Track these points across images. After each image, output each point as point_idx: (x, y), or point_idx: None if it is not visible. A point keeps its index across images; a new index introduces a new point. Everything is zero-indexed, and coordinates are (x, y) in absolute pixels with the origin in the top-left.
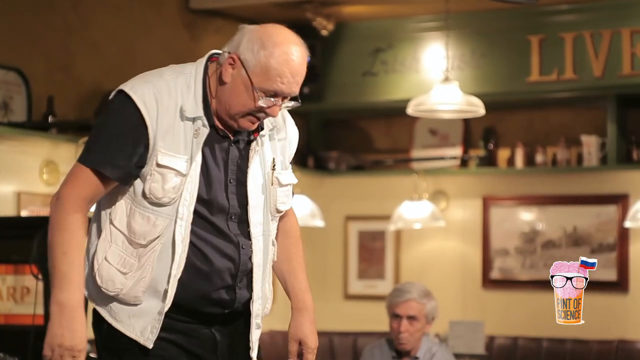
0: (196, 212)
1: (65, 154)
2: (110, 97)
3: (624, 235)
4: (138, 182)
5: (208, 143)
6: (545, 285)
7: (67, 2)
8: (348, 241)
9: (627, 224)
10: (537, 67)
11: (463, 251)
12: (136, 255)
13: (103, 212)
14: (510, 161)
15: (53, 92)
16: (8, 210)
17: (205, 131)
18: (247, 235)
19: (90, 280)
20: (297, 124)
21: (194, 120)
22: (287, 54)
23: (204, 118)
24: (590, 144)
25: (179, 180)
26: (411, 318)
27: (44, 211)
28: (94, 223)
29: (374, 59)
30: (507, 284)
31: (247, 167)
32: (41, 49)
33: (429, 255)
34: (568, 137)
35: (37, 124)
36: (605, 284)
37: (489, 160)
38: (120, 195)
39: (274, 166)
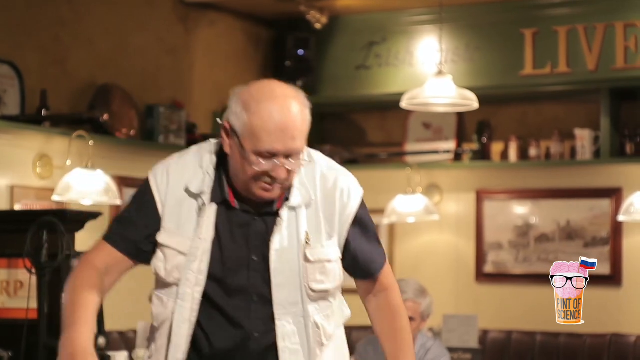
0: (207, 294)
1: (59, 147)
2: None
3: (617, 229)
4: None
5: (224, 219)
6: (539, 279)
7: None
8: None
9: (621, 217)
10: (530, 60)
11: (457, 245)
12: (153, 340)
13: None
14: (504, 155)
15: (46, 86)
16: (1, 204)
17: (209, 207)
18: (273, 318)
19: None
20: None
21: (197, 197)
22: (270, 111)
23: (207, 194)
24: (583, 137)
25: (181, 260)
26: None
27: (37, 205)
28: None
29: (368, 52)
30: (501, 277)
31: (269, 241)
32: (35, 42)
33: (422, 249)
34: (562, 130)
35: (30, 118)
36: (598, 277)
37: (483, 154)
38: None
39: (307, 240)
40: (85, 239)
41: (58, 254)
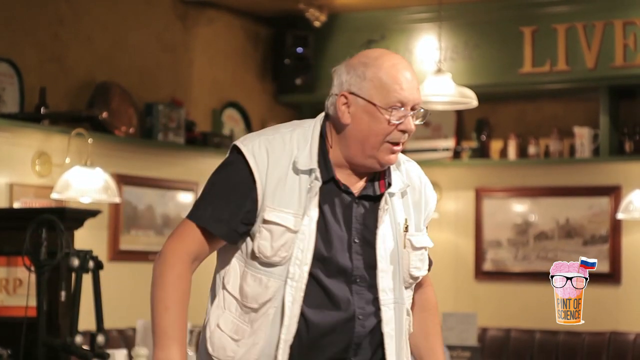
0: (311, 274)
1: (58, 145)
2: (229, 150)
3: (616, 226)
4: (249, 242)
5: (327, 198)
6: (537, 276)
7: None
8: None
9: (620, 215)
10: (529, 58)
11: (456, 243)
12: (248, 321)
13: (217, 276)
14: (503, 153)
15: (45, 84)
16: (0, 202)
17: (317, 184)
18: (374, 302)
19: (203, 348)
20: (289, 116)
21: (308, 173)
22: (392, 62)
23: (317, 170)
24: (582, 135)
25: (290, 237)
26: None
27: (36, 203)
28: (210, 290)
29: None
30: (500, 275)
31: (375, 226)
32: (33, 40)
33: None
34: (560, 128)
35: (29, 116)
36: (597, 275)
37: (482, 152)
38: (233, 258)
39: (406, 227)
40: (84, 236)
41: (57, 252)
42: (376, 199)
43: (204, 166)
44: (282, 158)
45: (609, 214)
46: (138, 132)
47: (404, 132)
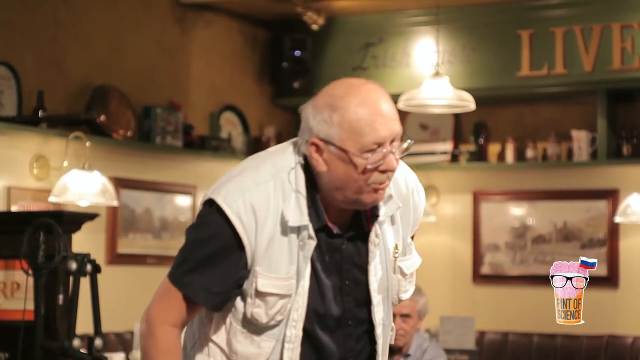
0: (304, 329)
1: (56, 148)
2: (203, 201)
3: (614, 230)
4: (239, 299)
5: (316, 249)
6: (535, 280)
7: None
8: None
9: (617, 219)
10: (527, 61)
11: (453, 246)
12: None
13: (200, 322)
14: (501, 156)
15: (43, 87)
16: None
17: (312, 244)
18: (366, 335)
19: None
20: (287, 119)
21: (298, 230)
22: (360, 99)
23: (310, 227)
24: (580, 138)
25: (285, 302)
26: (405, 316)
27: (34, 206)
28: (186, 332)
29: (365, 53)
30: (498, 279)
31: (366, 262)
32: (31, 43)
33: (419, 250)
34: (558, 132)
35: (27, 119)
36: (595, 279)
37: (480, 155)
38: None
39: (396, 253)
40: (82, 240)
41: (55, 255)
42: (366, 234)
43: (202, 169)
44: (269, 216)
45: (607, 218)
46: (136, 135)
47: (384, 172)
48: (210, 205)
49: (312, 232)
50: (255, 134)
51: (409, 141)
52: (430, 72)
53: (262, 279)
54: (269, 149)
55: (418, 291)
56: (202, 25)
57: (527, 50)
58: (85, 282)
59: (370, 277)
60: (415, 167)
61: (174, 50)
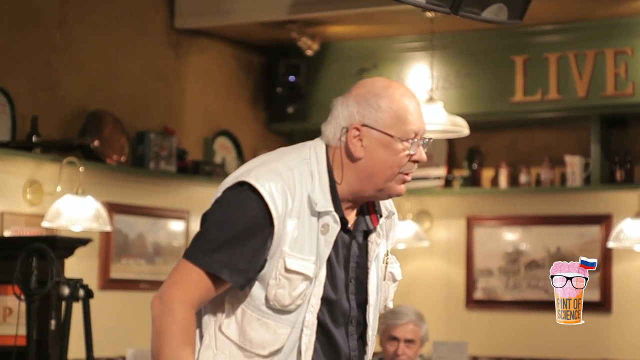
0: (317, 319)
1: (49, 173)
2: (229, 185)
3: (607, 255)
4: (255, 286)
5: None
6: (528, 305)
7: (52, 21)
8: None
9: (611, 244)
10: (521, 87)
11: (447, 271)
12: None
13: (207, 317)
14: (494, 181)
15: (37, 112)
16: None
17: (336, 228)
18: (362, 338)
19: None
20: (280, 144)
21: (320, 215)
22: (401, 91)
23: (334, 213)
24: (574, 164)
25: (306, 285)
26: (409, 341)
27: (27, 231)
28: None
29: (358, 78)
30: (491, 304)
31: (366, 261)
32: (25, 68)
33: (413, 275)
34: (552, 157)
35: (21, 144)
36: (588, 304)
37: (473, 181)
38: (228, 298)
39: (387, 259)
40: (74, 265)
41: (47, 281)
42: (367, 233)
43: (196, 194)
44: (297, 199)
45: (600, 243)
46: (130, 161)
47: (415, 162)
48: (241, 185)
49: (337, 218)
50: (249, 159)
51: (430, 138)
52: (424, 97)
53: (290, 259)
54: (282, 148)
55: (422, 317)
56: (197, 50)
57: (521, 76)
58: (77, 307)
59: (370, 277)
60: (408, 193)
61: (168, 76)
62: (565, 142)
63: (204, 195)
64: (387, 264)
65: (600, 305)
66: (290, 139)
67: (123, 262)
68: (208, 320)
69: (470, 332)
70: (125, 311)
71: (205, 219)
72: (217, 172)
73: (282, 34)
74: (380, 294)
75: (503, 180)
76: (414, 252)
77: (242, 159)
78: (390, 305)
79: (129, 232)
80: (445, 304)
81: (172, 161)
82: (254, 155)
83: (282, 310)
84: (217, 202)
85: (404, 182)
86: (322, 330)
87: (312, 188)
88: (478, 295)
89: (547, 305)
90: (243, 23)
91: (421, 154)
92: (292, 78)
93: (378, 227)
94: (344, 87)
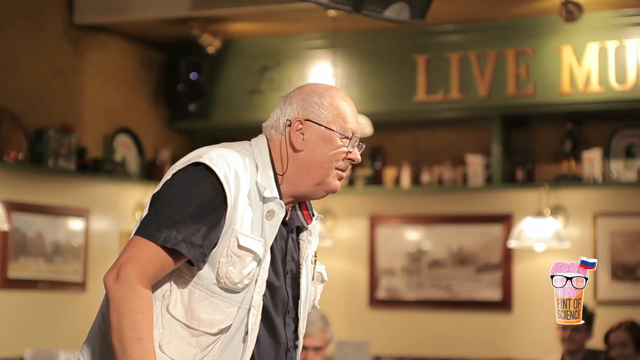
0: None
1: None
2: (181, 167)
3: (508, 254)
4: (205, 265)
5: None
6: (431, 304)
7: None
8: None
9: (511, 243)
10: (423, 86)
11: (350, 270)
12: (197, 345)
13: (153, 296)
14: (397, 180)
15: None
16: None
17: (281, 214)
18: (295, 332)
19: None
20: (182, 142)
21: (265, 201)
22: (341, 94)
23: (279, 200)
24: (475, 163)
25: (255, 265)
26: (317, 349)
27: None
28: None
29: (261, 76)
30: (394, 303)
31: (299, 258)
32: None
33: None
34: (454, 156)
35: None
36: (489, 303)
37: (376, 180)
38: (173, 279)
39: (315, 260)
40: None
41: None
42: (300, 231)
43: (96, 193)
44: (246, 183)
45: (501, 242)
46: (28, 158)
47: (351, 160)
48: (196, 166)
49: (282, 203)
50: (150, 157)
51: (362, 145)
52: None
53: (242, 237)
54: (224, 143)
55: (327, 322)
56: (97, 47)
57: (423, 75)
58: None
59: (302, 273)
60: None
61: (67, 72)
62: (467, 142)
63: (104, 194)
64: (315, 264)
65: (502, 304)
66: (192, 136)
67: (21, 262)
68: (154, 300)
69: (373, 332)
70: (24, 311)
71: (157, 197)
72: (118, 170)
73: (184, 30)
74: (309, 292)
75: (405, 180)
76: (317, 251)
77: (143, 157)
78: (317, 305)
79: (27, 230)
80: (348, 303)
81: (72, 159)
82: (155, 153)
83: (230, 290)
84: (169, 183)
85: (340, 178)
86: (265, 315)
87: (258, 176)
88: (381, 294)
89: (450, 305)
90: (144, 19)
91: (356, 154)
92: (193, 75)
93: (310, 226)
94: (246, 85)
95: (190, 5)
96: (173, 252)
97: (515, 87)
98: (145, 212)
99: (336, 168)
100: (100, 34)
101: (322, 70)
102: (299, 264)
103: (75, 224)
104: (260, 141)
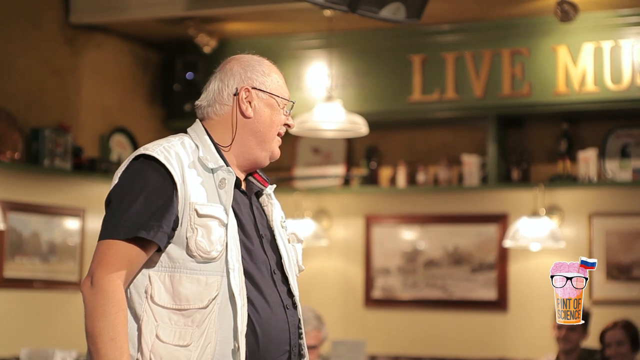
0: (244, 271)
1: None
2: (125, 165)
3: (503, 254)
4: (173, 248)
5: (234, 196)
6: (426, 304)
7: None
8: None
9: (507, 243)
10: (419, 86)
11: (345, 270)
12: (193, 323)
13: (134, 293)
14: (392, 180)
15: None
16: None
17: (232, 178)
18: (289, 294)
19: None
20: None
21: (214, 171)
22: (274, 66)
23: (227, 167)
24: (471, 163)
25: (223, 231)
26: (311, 347)
27: None
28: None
29: None
30: (389, 303)
31: (269, 222)
32: None
33: (311, 274)
34: (449, 156)
35: None
36: (485, 303)
37: (372, 179)
38: (145, 270)
39: (283, 223)
40: None
41: None
42: (259, 196)
43: (91, 192)
44: (189, 159)
45: (497, 242)
46: (24, 158)
47: (287, 126)
48: (136, 159)
49: (230, 169)
50: None
51: (294, 102)
52: (322, 95)
53: (200, 206)
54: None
55: (321, 321)
56: (93, 46)
57: (419, 75)
58: None
59: (276, 235)
60: (307, 191)
61: (63, 72)
62: (462, 142)
63: (99, 193)
64: (285, 227)
65: (497, 303)
66: None
67: (17, 261)
68: (137, 298)
69: (368, 331)
70: (20, 311)
71: (109, 201)
72: (113, 169)
73: (180, 30)
74: (290, 253)
75: (401, 179)
76: (312, 251)
77: None
78: (302, 266)
79: (23, 230)
80: (343, 303)
81: (68, 158)
82: None
83: (207, 260)
84: (117, 185)
85: (279, 144)
86: (250, 278)
87: (200, 152)
88: (376, 294)
89: (445, 304)
90: (140, 19)
91: (291, 119)
92: (189, 75)
93: (268, 190)
94: None
95: (186, 5)
96: (138, 243)
97: (510, 87)
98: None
99: (277, 134)
100: (96, 33)
101: (318, 70)
102: (272, 228)
103: (71, 224)
104: (195, 125)
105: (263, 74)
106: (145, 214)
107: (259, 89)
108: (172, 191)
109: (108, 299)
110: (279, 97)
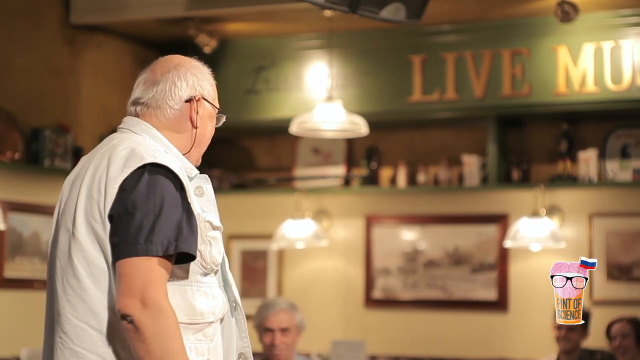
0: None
1: None
2: (129, 173)
3: (504, 254)
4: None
5: None
6: (426, 304)
7: None
8: (230, 260)
9: (507, 243)
10: (419, 86)
11: (345, 270)
12: (204, 337)
13: None
14: (393, 180)
15: None
16: None
17: (209, 188)
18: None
19: None
20: None
21: (191, 180)
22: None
23: (201, 174)
24: (471, 163)
25: (222, 238)
26: (284, 330)
27: None
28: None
29: (257, 76)
30: (389, 303)
31: None
32: None
33: (311, 274)
34: (449, 156)
35: None
36: (485, 303)
37: (372, 180)
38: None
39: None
40: None
41: None
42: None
43: None
44: (181, 168)
45: (497, 242)
46: (24, 158)
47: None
48: (142, 168)
49: (207, 176)
50: None
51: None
52: (322, 96)
53: (209, 216)
54: (110, 144)
55: (293, 306)
56: (93, 46)
57: (419, 76)
58: None
59: None
60: (307, 191)
61: (63, 72)
62: (462, 142)
63: None
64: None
65: (497, 304)
66: None
67: (17, 261)
68: None
69: (368, 332)
70: (20, 311)
71: (125, 213)
72: None
73: (180, 30)
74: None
75: (401, 180)
76: (312, 251)
77: None
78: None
79: (23, 230)
80: (343, 303)
81: (68, 158)
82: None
83: (209, 273)
84: (127, 196)
85: None
86: (226, 284)
87: (178, 159)
88: (376, 294)
89: (445, 305)
90: (140, 19)
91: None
92: None
93: None
94: (242, 85)
95: (186, 5)
96: (169, 257)
97: (510, 87)
98: (120, 233)
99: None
100: (96, 33)
101: (318, 70)
102: None
103: None
104: (151, 131)
105: (207, 81)
106: (194, 235)
107: (205, 99)
108: (185, 197)
109: (171, 318)
110: (218, 109)
